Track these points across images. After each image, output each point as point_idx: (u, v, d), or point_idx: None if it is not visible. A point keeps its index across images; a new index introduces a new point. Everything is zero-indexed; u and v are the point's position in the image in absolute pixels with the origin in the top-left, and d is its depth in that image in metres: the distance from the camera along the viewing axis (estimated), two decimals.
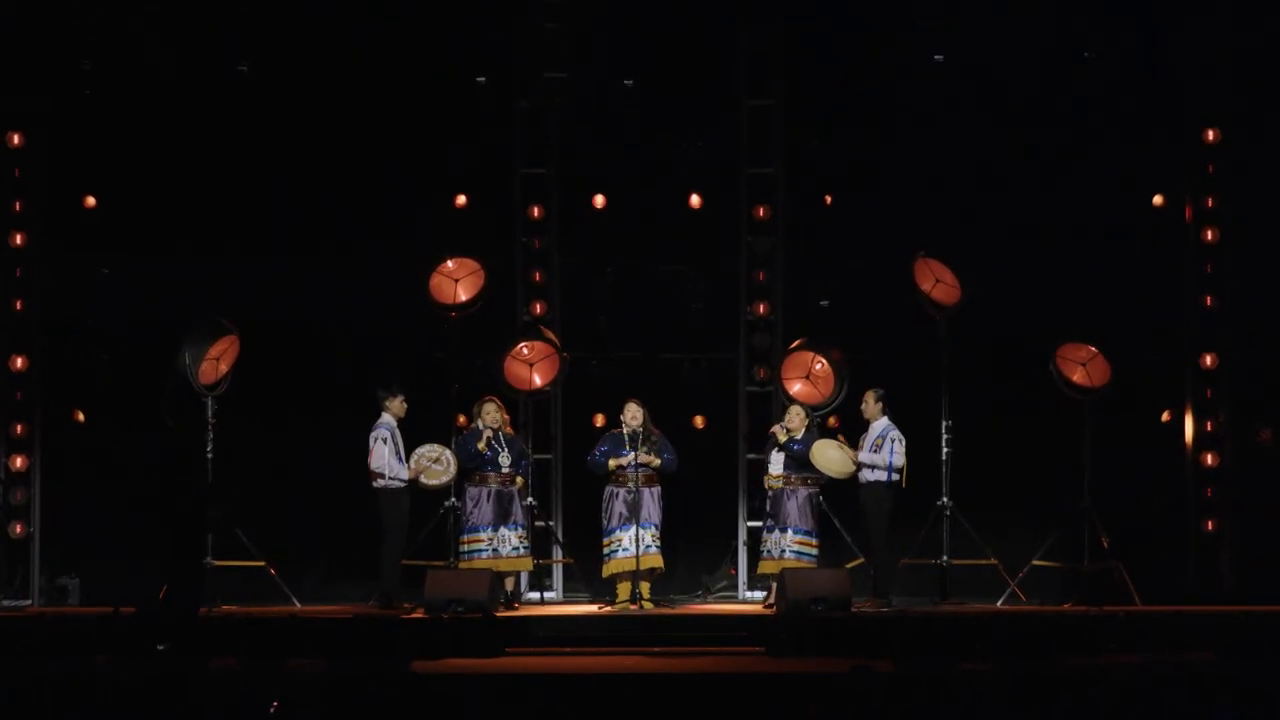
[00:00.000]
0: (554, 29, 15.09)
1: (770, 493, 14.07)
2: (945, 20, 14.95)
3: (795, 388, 14.56)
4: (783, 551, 13.88)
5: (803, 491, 14.00)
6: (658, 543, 13.78)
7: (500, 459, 13.95)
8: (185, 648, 10.86)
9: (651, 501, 13.79)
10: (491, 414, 13.98)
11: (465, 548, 13.98)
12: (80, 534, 14.74)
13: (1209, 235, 14.96)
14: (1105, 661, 10.98)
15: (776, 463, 14.07)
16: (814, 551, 13.97)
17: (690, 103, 15.25)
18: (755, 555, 14.42)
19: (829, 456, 13.85)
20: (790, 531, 13.90)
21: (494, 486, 13.94)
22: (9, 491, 14.67)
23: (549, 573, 15.06)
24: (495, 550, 13.87)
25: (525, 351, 14.54)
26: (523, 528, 14.01)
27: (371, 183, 15.05)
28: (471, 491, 13.99)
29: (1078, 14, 14.92)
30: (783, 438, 14.01)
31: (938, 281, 14.36)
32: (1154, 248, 15.08)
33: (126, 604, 11.42)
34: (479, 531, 13.91)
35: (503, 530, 13.91)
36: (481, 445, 13.89)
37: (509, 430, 14.17)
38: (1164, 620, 12.63)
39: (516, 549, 13.95)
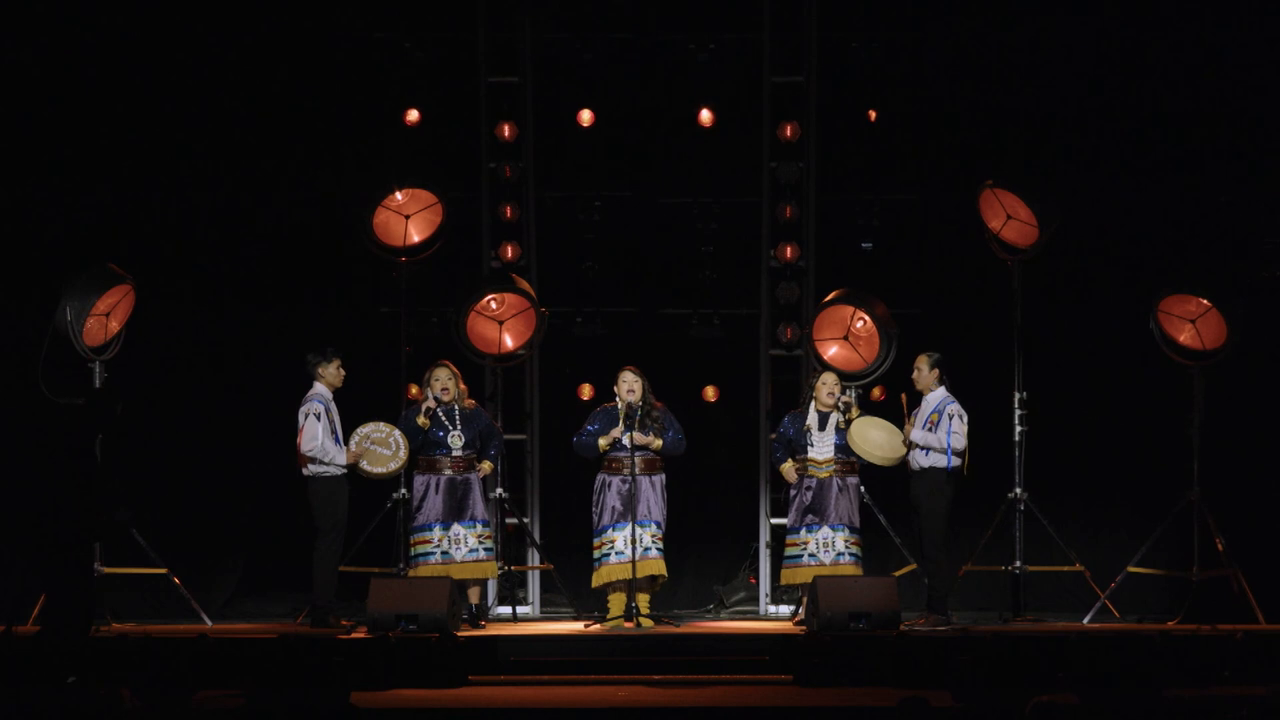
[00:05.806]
0: None
1: (812, 482, 14.01)
2: None
3: (830, 351, 14.62)
4: (839, 555, 13.89)
5: (852, 480, 14.05)
6: (659, 544, 13.80)
7: (450, 439, 13.97)
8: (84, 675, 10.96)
9: (652, 493, 13.81)
10: (443, 382, 13.91)
11: (413, 550, 14.02)
12: None
13: None
14: (1220, 693, 11.11)
15: (823, 444, 13.99)
16: (861, 554, 14.09)
17: None
18: (780, 560, 14.37)
19: (871, 438, 13.87)
20: (845, 530, 13.91)
21: (445, 474, 13.98)
22: None
23: (523, 582, 15.15)
24: (446, 553, 13.90)
25: (494, 306, 14.62)
26: (484, 525, 14.01)
27: (299, 92, 15.10)
28: (419, 481, 14.00)
29: None
30: (855, 414, 13.92)
31: (1010, 218, 14.37)
32: None
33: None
34: (426, 531, 13.94)
35: (456, 528, 13.92)
36: (421, 420, 13.87)
37: (469, 403, 14.14)
38: None
39: (475, 551, 13.95)
